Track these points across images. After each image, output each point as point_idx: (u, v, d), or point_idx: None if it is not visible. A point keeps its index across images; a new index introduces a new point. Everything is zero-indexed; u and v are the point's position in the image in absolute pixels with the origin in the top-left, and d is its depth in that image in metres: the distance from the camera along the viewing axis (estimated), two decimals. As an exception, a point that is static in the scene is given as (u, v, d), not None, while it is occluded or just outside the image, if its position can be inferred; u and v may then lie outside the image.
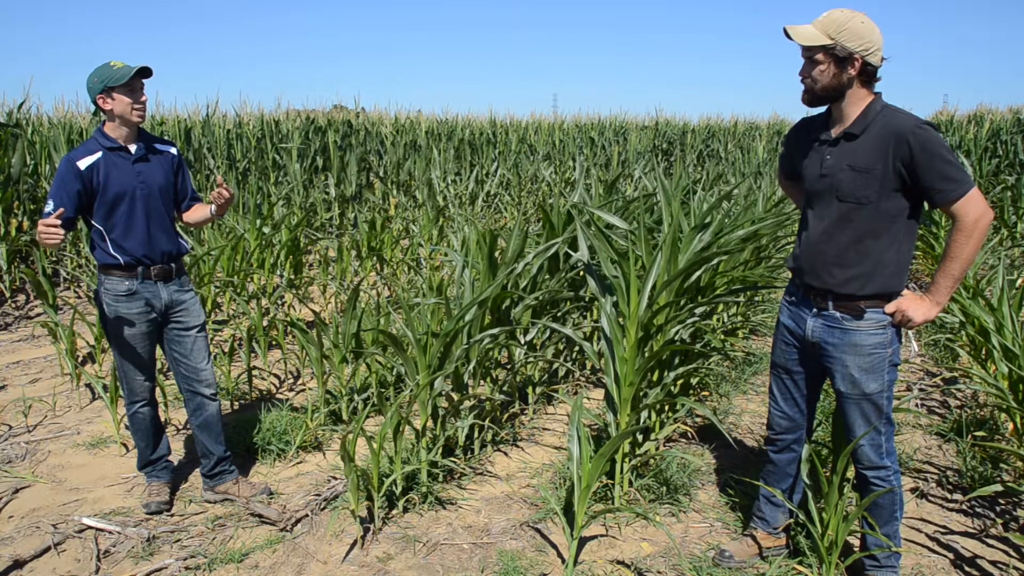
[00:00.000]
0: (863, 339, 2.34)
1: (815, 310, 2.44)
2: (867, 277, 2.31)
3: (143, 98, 2.87)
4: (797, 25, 2.27)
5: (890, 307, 2.31)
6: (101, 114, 2.89)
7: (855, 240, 2.30)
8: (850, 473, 2.63)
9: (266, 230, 6.36)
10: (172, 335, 3.09)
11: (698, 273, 3.45)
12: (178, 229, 3.16)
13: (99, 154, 2.86)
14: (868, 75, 2.26)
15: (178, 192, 3.12)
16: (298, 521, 3.04)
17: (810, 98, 2.33)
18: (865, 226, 2.28)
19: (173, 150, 3.10)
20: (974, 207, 2.16)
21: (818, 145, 2.38)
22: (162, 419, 3.44)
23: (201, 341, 3.14)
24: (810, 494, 2.64)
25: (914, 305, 2.28)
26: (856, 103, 2.29)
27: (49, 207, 2.76)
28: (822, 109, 2.44)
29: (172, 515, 3.12)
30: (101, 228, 2.90)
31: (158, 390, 3.58)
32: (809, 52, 2.26)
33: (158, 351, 3.31)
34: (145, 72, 2.85)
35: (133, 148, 2.93)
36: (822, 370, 2.52)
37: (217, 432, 3.21)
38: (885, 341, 2.34)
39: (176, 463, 3.53)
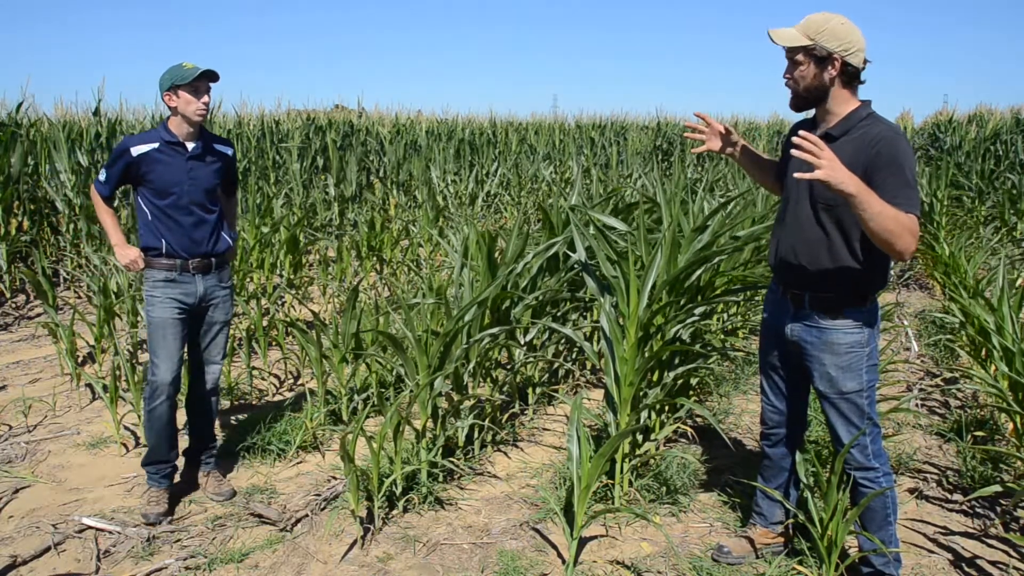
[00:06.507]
0: (839, 338, 2.35)
1: (793, 309, 2.46)
2: (842, 277, 2.32)
3: (205, 99, 3.00)
4: (780, 28, 2.32)
5: (826, 152, 2.03)
6: (166, 110, 3.05)
7: (829, 240, 2.32)
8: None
9: (265, 229, 6.36)
10: (196, 326, 3.20)
11: (698, 273, 3.45)
12: (224, 225, 3.24)
13: (155, 144, 3.01)
14: (849, 76, 2.28)
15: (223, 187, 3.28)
16: (298, 521, 3.04)
17: (796, 101, 2.35)
18: (839, 226, 2.30)
19: (230, 151, 3.25)
20: (911, 225, 2.09)
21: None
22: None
23: (221, 338, 3.25)
24: (808, 494, 2.64)
25: (839, 165, 2.05)
26: (839, 104, 2.31)
27: (102, 176, 3.06)
28: (812, 114, 2.46)
29: (172, 515, 3.12)
30: (147, 211, 3.04)
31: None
32: (791, 53, 2.30)
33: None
34: (210, 75, 2.98)
35: (191, 146, 3.05)
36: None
37: (209, 423, 3.32)
38: (862, 340, 2.36)
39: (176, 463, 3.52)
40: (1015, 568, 2.75)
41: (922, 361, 5.17)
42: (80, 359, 4.93)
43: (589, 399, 4.31)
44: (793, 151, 2.07)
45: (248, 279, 6.10)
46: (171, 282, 3.05)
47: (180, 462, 3.46)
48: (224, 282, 3.20)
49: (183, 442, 3.48)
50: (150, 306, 3.06)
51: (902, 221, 2.07)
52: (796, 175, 2.12)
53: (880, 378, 3.52)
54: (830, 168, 2.02)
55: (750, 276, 4.10)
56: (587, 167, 12.39)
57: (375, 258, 7.07)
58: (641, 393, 3.21)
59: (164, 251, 3.03)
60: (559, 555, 2.84)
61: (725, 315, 4.94)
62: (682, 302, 3.36)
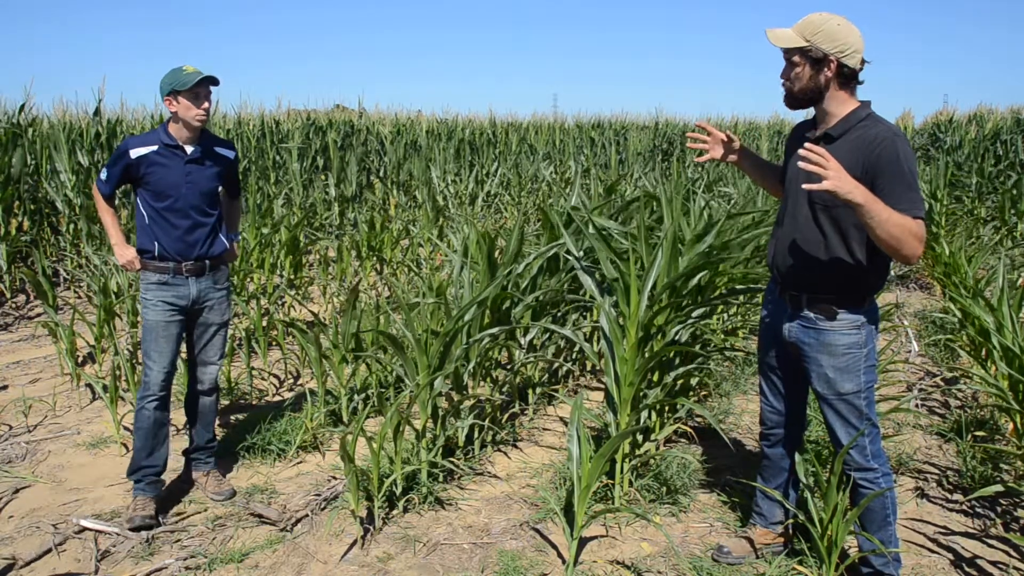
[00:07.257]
0: (836, 339, 2.35)
1: (791, 310, 2.46)
2: (840, 278, 2.32)
3: (205, 104, 3.00)
4: (777, 29, 2.31)
5: (832, 163, 2.04)
6: (167, 114, 3.07)
7: (827, 241, 2.32)
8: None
9: (265, 230, 6.36)
10: (192, 326, 3.20)
11: (699, 274, 3.45)
12: (223, 228, 3.24)
13: (154, 147, 3.02)
14: (846, 77, 2.27)
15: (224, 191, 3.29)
16: (298, 521, 3.04)
17: (789, 100, 2.35)
18: (837, 227, 2.30)
19: (232, 154, 3.25)
20: (917, 230, 2.10)
21: (800, 145, 2.39)
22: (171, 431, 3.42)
23: (218, 339, 3.26)
24: (808, 494, 2.64)
25: (845, 176, 2.06)
26: (837, 105, 2.30)
27: (103, 175, 3.07)
28: (812, 112, 2.46)
29: (172, 515, 3.12)
30: (145, 213, 3.05)
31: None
32: (787, 54, 2.30)
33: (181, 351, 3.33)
34: (211, 80, 2.98)
35: (190, 149, 3.06)
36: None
37: (208, 422, 3.31)
38: (859, 341, 2.35)
39: (174, 463, 3.52)
40: (1015, 568, 2.75)
41: (922, 361, 5.16)
42: (80, 359, 4.93)
43: (589, 399, 4.31)
44: (800, 164, 2.07)
45: (248, 279, 6.09)
46: (164, 284, 3.05)
47: (176, 465, 3.47)
48: (219, 284, 3.20)
49: (183, 442, 3.48)
50: (144, 308, 3.07)
51: (908, 227, 2.08)
52: (805, 186, 2.13)
53: (880, 378, 3.53)
54: (837, 179, 2.02)
55: (750, 275, 4.10)
56: (587, 167, 12.39)
57: (375, 258, 7.07)
58: (641, 393, 3.21)
59: (157, 254, 3.04)
60: (559, 555, 2.84)
61: (725, 315, 4.94)
62: (683, 303, 3.36)
